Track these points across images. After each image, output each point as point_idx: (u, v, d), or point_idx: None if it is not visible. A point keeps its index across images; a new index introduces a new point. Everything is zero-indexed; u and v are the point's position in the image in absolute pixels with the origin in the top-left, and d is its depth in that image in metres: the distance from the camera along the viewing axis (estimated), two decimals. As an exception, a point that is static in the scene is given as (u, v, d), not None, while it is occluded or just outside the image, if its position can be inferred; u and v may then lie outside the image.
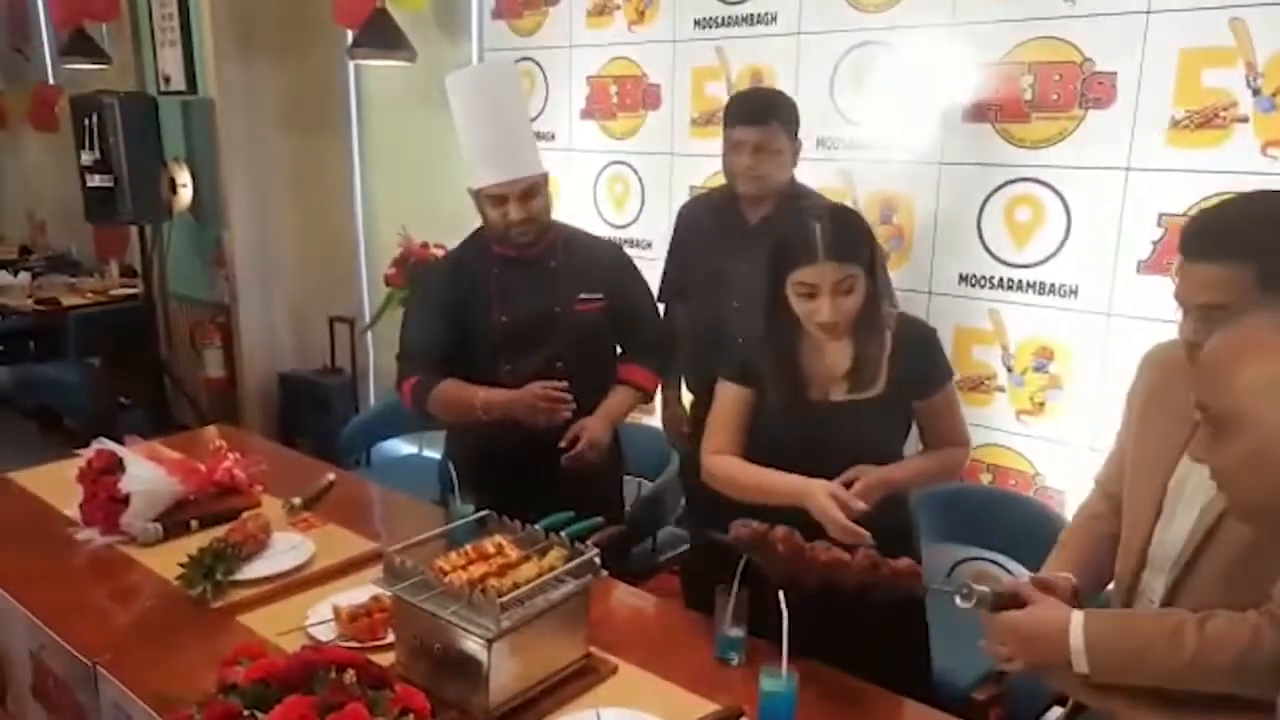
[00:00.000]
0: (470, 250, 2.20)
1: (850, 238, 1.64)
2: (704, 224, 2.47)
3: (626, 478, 3.11)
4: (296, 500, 2.19)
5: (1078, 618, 1.30)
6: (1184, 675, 1.24)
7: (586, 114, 3.51)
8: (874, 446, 1.71)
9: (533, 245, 2.11)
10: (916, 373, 1.71)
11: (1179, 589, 1.33)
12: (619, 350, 2.28)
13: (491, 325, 2.12)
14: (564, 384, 2.05)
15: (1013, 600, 1.38)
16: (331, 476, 2.33)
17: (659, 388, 2.31)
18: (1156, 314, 2.32)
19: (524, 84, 2.17)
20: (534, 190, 2.05)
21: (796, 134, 2.31)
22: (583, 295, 2.15)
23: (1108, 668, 1.28)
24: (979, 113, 2.56)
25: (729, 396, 1.81)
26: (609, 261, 2.24)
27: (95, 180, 4.39)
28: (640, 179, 3.40)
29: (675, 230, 2.58)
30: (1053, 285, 2.50)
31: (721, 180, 2.48)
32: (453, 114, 2.11)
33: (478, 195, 2.09)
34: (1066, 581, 1.43)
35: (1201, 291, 1.22)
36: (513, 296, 2.12)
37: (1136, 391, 1.49)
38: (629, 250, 3.39)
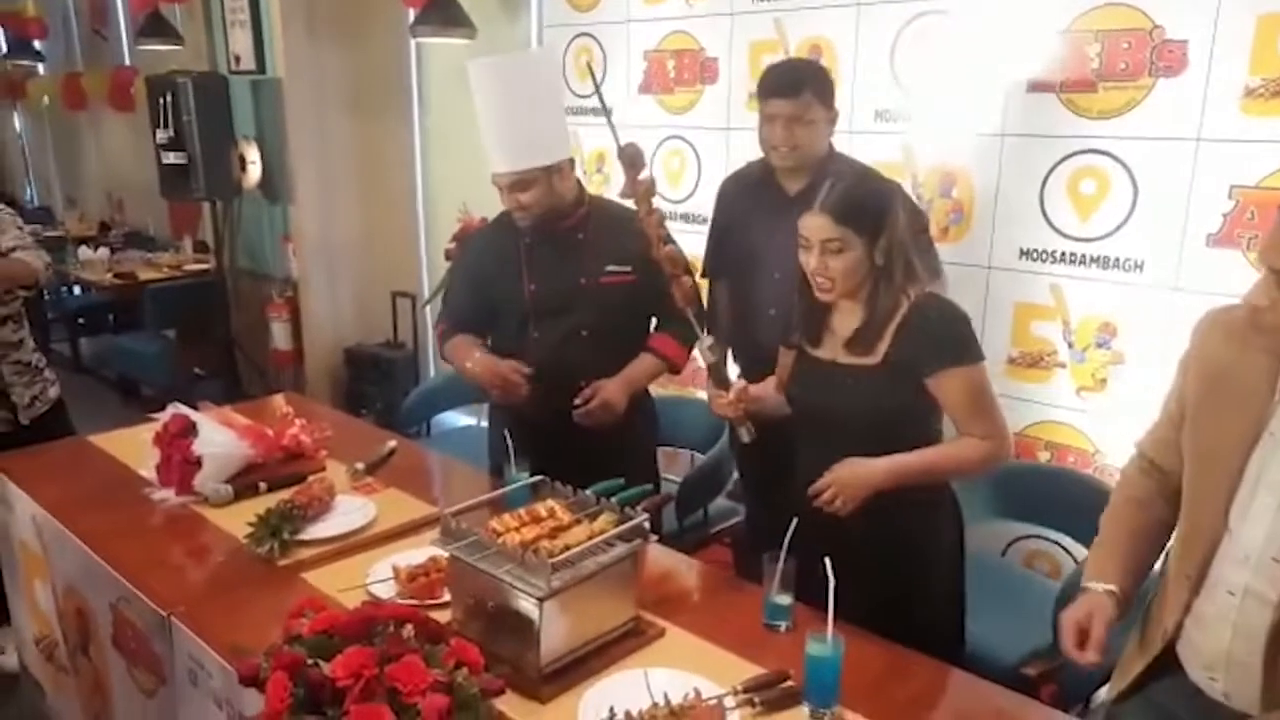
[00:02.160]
0: (506, 221, 2.28)
1: (852, 202, 1.65)
2: (744, 198, 2.47)
3: (679, 450, 3.17)
4: (360, 465, 2.27)
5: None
6: None
7: (644, 88, 3.52)
8: (871, 414, 1.71)
9: (556, 222, 2.18)
10: (922, 349, 1.67)
11: None
12: (655, 321, 2.32)
13: (520, 294, 2.21)
14: (529, 370, 2.16)
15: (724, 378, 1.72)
16: (393, 444, 2.40)
17: (685, 359, 2.32)
18: (1227, 289, 2.25)
19: (546, 75, 2.17)
20: (525, 184, 2.12)
21: (832, 103, 2.28)
22: (610, 268, 2.20)
23: None
24: (1043, 83, 2.50)
25: (780, 360, 1.88)
26: (641, 236, 2.26)
27: (169, 158, 4.54)
28: (697, 153, 3.40)
29: (716, 205, 2.58)
30: (1117, 259, 2.44)
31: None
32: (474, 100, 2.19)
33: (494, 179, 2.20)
34: (1104, 610, 1.39)
35: None
36: (541, 268, 2.21)
37: (1194, 360, 1.41)
38: (684, 224, 3.45)
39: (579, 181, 2.25)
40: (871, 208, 1.66)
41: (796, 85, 2.22)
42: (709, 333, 1.98)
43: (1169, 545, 1.46)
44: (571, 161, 2.20)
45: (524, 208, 2.15)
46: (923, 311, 1.69)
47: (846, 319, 1.75)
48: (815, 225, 1.67)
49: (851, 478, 1.68)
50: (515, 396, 2.17)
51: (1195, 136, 2.27)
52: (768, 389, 1.97)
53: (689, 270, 2.06)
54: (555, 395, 2.16)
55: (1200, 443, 1.36)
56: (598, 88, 2.73)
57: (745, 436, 1.92)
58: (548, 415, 2.15)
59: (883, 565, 1.72)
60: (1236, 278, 2.23)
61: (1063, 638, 1.37)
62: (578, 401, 2.15)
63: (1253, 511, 1.27)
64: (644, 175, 2.04)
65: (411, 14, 3.93)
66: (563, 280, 2.20)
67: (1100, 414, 2.53)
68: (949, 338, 1.68)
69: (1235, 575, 1.29)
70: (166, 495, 2.12)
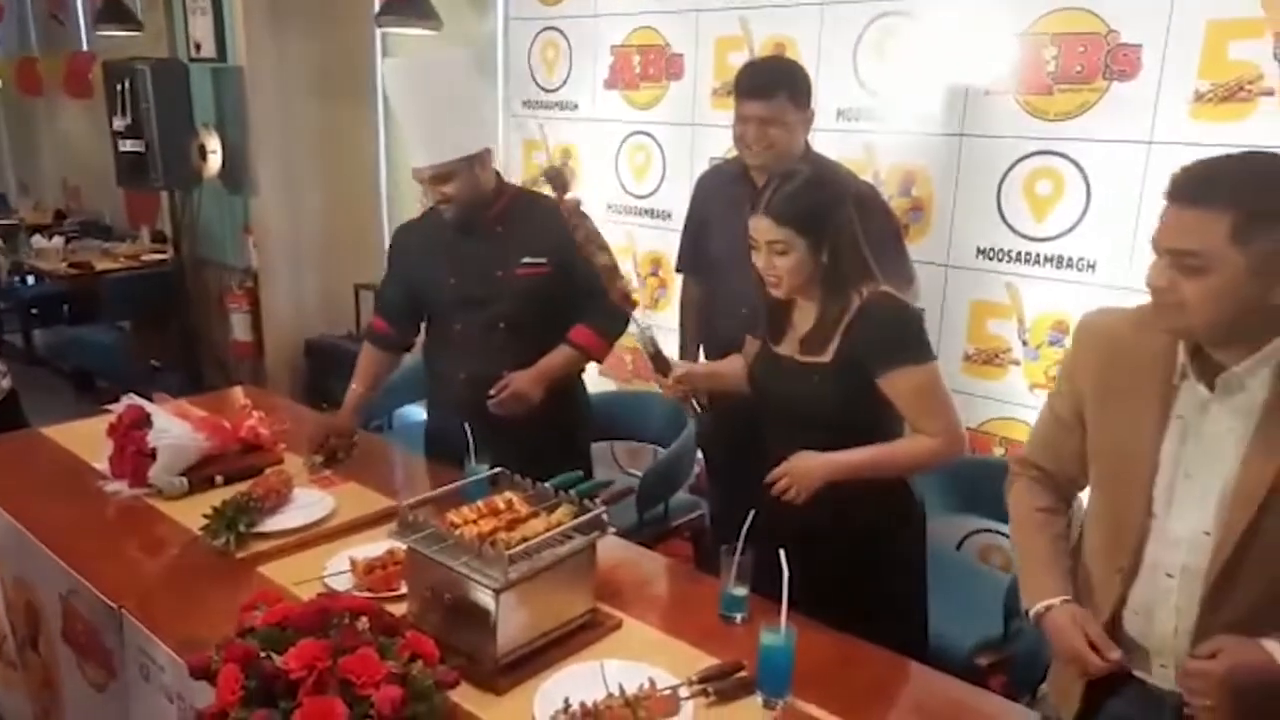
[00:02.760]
0: (433, 215, 2.32)
1: (794, 205, 1.67)
2: (719, 195, 2.48)
3: (642, 444, 3.18)
4: (318, 457, 2.25)
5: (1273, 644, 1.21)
6: None
7: (610, 84, 3.52)
8: (827, 410, 1.74)
9: (478, 213, 2.22)
10: (872, 348, 1.70)
11: (1229, 572, 1.26)
12: (577, 314, 2.33)
13: (442, 287, 2.26)
14: (339, 441, 2.30)
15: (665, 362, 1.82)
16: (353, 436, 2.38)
17: (603, 350, 2.34)
18: (1175, 289, 2.31)
19: (460, 74, 2.23)
20: (446, 176, 2.16)
21: (807, 104, 2.30)
22: (526, 260, 2.23)
23: None
24: (1001, 85, 2.54)
25: (746, 348, 1.95)
26: (559, 228, 2.26)
27: (127, 145, 4.46)
28: (662, 149, 3.41)
29: (692, 201, 2.59)
30: (1071, 259, 2.49)
31: (742, 151, 2.49)
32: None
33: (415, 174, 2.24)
34: (1082, 614, 1.37)
35: (1177, 235, 1.20)
36: (462, 260, 2.25)
37: (1081, 367, 1.42)
38: (649, 220, 3.46)
39: (498, 173, 2.27)
40: (814, 210, 1.68)
41: (771, 87, 2.23)
42: (680, 329, 2.01)
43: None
44: (489, 151, 2.23)
45: (449, 199, 2.18)
46: (872, 312, 1.71)
47: (805, 317, 1.77)
48: (760, 227, 1.71)
49: (805, 470, 1.71)
50: (516, 404, 2.18)
51: (1147, 139, 2.32)
52: (731, 365, 2.00)
53: (618, 273, 2.07)
54: (479, 388, 2.19)
55: (1109, 439, 1.38)
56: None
57: (691, 417, 1.95)
58: (474, 409, 2.16)
59: (839, 559, 1.74)
60: (1185, 278, 2.29)
61: (1081, 660, 1.33)
62: (491, 392, 2.18)
63: (1177, 497, 1.30)
64: (570, 196, 2.05)
65: (377, 4, 3.90)
66: (481, 272, 2.23)
67: (1053, 410, 2.58)
68: (898, 338, 1.71)
69: (1170, 557, 1.32)
70: (120, 488, 2.10)
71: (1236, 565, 1.26)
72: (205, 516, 1.88)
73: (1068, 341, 2.52)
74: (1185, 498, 1.30)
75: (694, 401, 1.96)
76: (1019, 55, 2.50)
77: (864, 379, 1.71)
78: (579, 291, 2.23)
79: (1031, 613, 1.41)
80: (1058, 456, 1.49)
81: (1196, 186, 1.19)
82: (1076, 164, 2.45)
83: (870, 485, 1.73)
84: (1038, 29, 2.46)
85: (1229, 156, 1.22)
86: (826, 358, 1.72)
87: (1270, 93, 2.15)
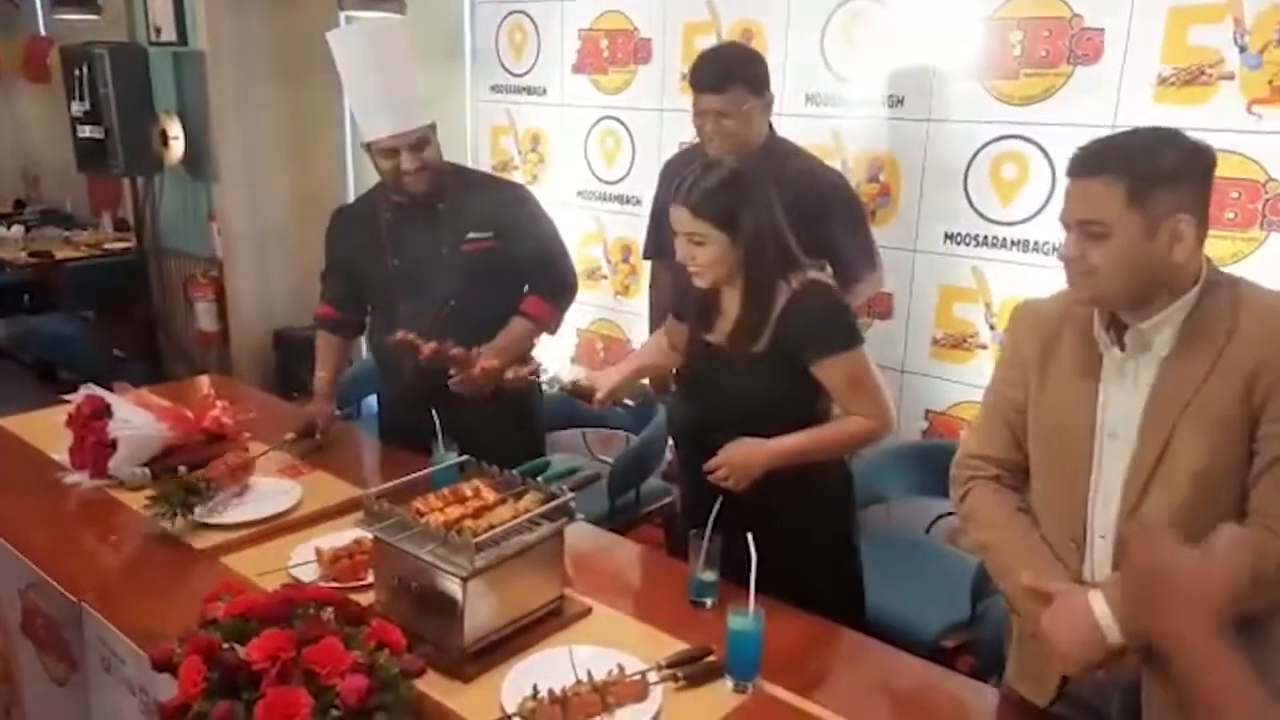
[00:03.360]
0: (364, 201, 2.33)
1: (714, 198, 1.68)
2: None
3: (615, 431, 3.18)
4: (290, 435, 2.25)
5: (1095, 594, 1.29)
6: None
7: (578, 68, 3.49)
8: (761, 398, 1.76)
9: (425, 192, 2.19)
10: (803, 336, 1.72)
11: (1140, 505, 1.32)
12: (526, 287, 2.34)
13: (384, 270, 2.23)
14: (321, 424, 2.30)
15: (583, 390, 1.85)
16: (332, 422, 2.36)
17: (555, 319, 2.36)
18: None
19: (404, 42, 2.25)
20: (424, 142, 2.15)
21: (764, 89, 2.27)
22: (471, 235, 2.22)
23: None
24: (967, 70, 2.55)
25: (670, 326, 2.01)
26: (501, 202, 2.30)
27: (86, 131, 4.37)
28: (631, 134, 3.39)
29: (658, 188, 2.58)
30: (1036, 243, 2.51)
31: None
32: (340, 71, 2.22)
33: (370, 149, 2.19)
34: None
35: (1080, 207, 1.29)
36: (403, 241, 2.23)
37: (1022, 352, 1.46)
38: (619, 206, 3.45)
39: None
40: (731, 203, 1.68)
41: (723, 79, 2.20)
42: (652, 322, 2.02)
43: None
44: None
45: (425, 167, 2.16)
46: (803, 302, 1.73)
47: (732, 304, 1.79)
48: (678, 217, 1.72)
49: (744, 458, 1.73)
50: (483, 380, 2.15)
51: (1111, 124, 2.34)
52: (647, 354, 2.09)
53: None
54: (432, 370, 2.15)
55: (1049, 415, 1.43)
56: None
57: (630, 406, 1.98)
58: (429, 392, 2.13)
59: (780, 537, 1.76)
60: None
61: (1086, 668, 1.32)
62: (452, 370, 2.15)
63: (1105, 458, 1.36)
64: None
65: (340, -13, 3.84)
66: (424, 252, 2.21)
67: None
68: (830, 327, 1.73)
69: (1101, 519, 1.38)
70: (80, 479, 2.07)
71: (1136, 507, 1.32)
72: (149, 498, 1.85)
73: (1033, 325, 2.55)
74: (1111, 458, 1.36)
75: (625, 403, 2.00)
76: (985, 40, 2.51)
77: (796, 367, 1.74)
78: (526, 263, 2.23)
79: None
80: (1005, 442, 1.50)
81: (1093, 160, 1.29)
82: (1041, 148, 2.46)
83: (803, 467, 1.76)
84: (1003, 14, 2.47)
85: (1120, 133, 1.34)
86: (760, 347, 1.74)
87: (1230, 76, 2.18)
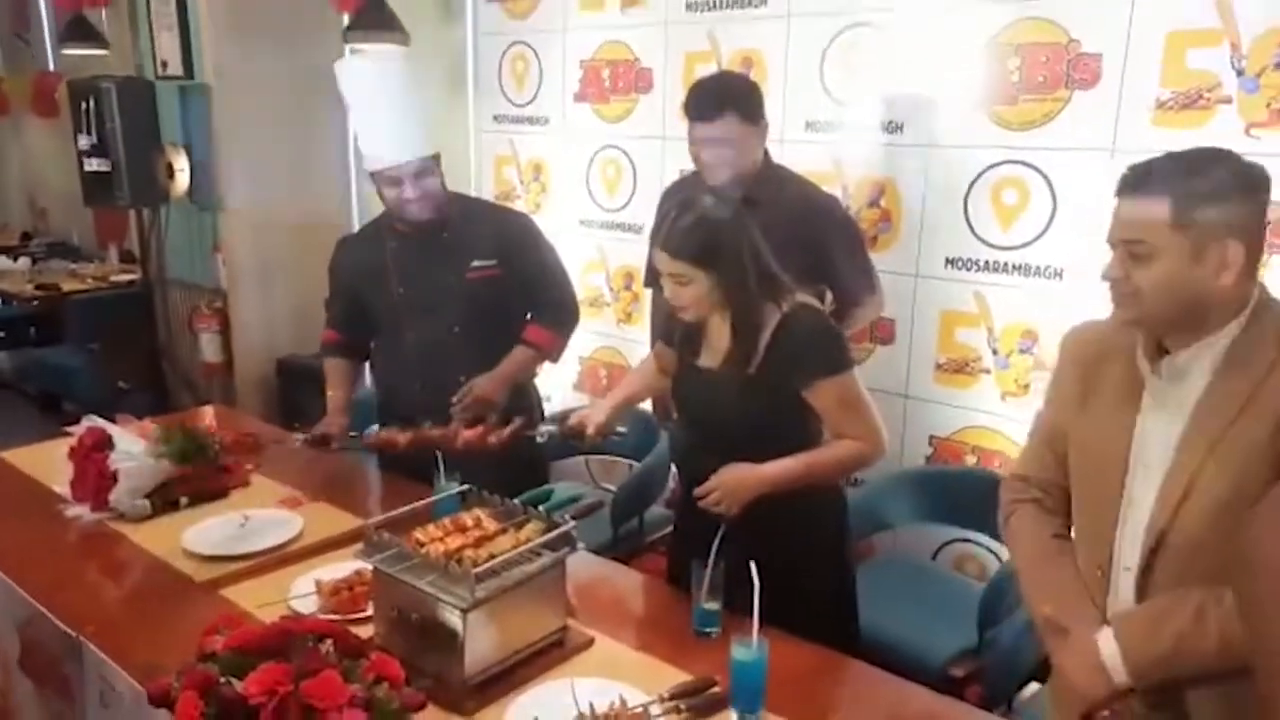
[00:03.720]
0: (369, 229, 2.34)
1: (691, 239, 1.68)
2: None
3: (616, 458, 3.17)
4: (300, 436, 2.27)
5: (1105, 634, 1.28)
6: (1217, 661, 1.21)
7: (580, 97, 3.52)
8: (753, 421, 1.75)
9: (429, 220, 2.21)
10: (794, 360, 1.72)
11: (1155, 558, 1.30)
12: (529, 314, 2.36)
13: (390, 297, 2.25)
14: (337, 428, 2.26)
15: (574, 430, 1.86)
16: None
17: (557, 346, 2.37)
18: (1141, 295, 2.33)
19: (409, 74, 2.33)
20: (426, 171, 2.17)
21: (759, 117, 2.27)
22: (475, 264, 2.24)
23: (1148, 674, 1.25)
24: (966, 95, 2.56)
25: (658, 350, 2.01)
26: (504, 230, 2.33)
27: (92, 164, 4.41)
28: (632, 162, 3.40)
29: (657, 215, 2.59)
30: (1038, 267, 2.50)
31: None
32: (345, 100, 2.27)
33: (375, 178, 2.21)
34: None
35: (1125, 226, 1.27)
36: (409, 269, 2.25)
37: (1067, 376, 1.47)
38: (621, 233, 3.46)
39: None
40: (708, 242, 1.68)
41: (717, 109, 2.21)
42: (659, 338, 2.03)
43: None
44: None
45: (427, 196, 2.18)
46: (794, 325, 1.73)
47: (719, 331, 1.79)
48: (659, 259, 1.72)
49: (736, 482, 1.72)
50: (481, 409, 2.18)
51: (1110, 147, 2.35)
52: (634, 382, 2.08)
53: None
54: (435, 395, 2.18)
55: (1088, 439, 1.41)
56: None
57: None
58: (430, 416, 2.15)
59: (775, 560, 1.74)
60: (1150, 284, 2.31)
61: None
62: (454, 399, 2.17)
63: (1137, 489, 1.33)
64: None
65: (345, 19, 3.88)
66: (430, 280, 2.23)
67: (1024, 419, 2.58)
68: (819, 351, 1.73)
69: (1129, 550, 1.35)
70: (81, 511, 2.06)
71: (1154, 558, 1.30)
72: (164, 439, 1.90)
73: (1037, 349, 2.54)
74: (1143, 488, 1.33)
75: (618, 432, 1.99)
76: (983, 66, 2.52)
77: (787, 390, 1.73)
78: (528, 290, 2.24)
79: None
80: (1052, 465, 1.49)
81: (1140, 179, 1.27)
82: (1042, 173, 2.46)
83: (800, 490, 1.75)
84: (1001, 39, 2.48)
85: (1169, 154, 1.30)
86: (750, 370, 1.73)
87: (1228, 100, 2.18)
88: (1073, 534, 1.47)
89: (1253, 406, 1.23)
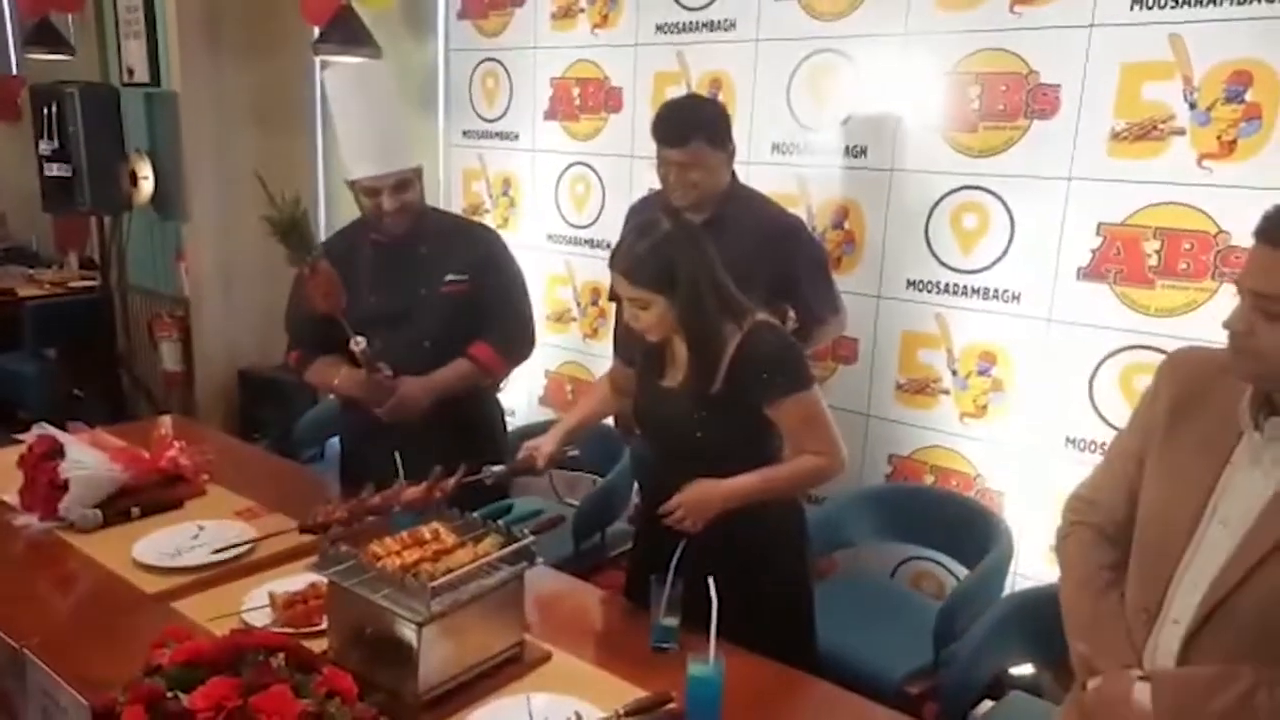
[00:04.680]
0: (344, 237, 2.33)
1: (647, 266, 1.70)
2: None
3: (580, 474, 3.16)
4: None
5: (1142, 689, 1.23)
6: None
7: (550, 115, 3.53)
8: (712, 439, 1.76)
9: (405, 233, 2.21)
10: (756, 379, 1.73)
11: (1212, 617, 1.23)
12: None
13: (363, 306, 2.19)
14: (391, 375, 2.14)
15: (523, 465, 1.87)
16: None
17: (501, 369, 2.34)
18: (1095, 320, 2.38)
19: (393, 85, 2.34)
20: (405, 184, 2.18)
21: (726, 142, 2.29)
22: (449, 278, 2.24)
23: None
24: (928, 121, 2.61)
25: (615, 372, 2.03)
26: (477, 244, 2.34)
27: (53, 170, 4.34)
28: (601, 180, 3.42)
29: (622, 232, 2.60)
30: (996, 291, 2.55)
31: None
32: (331, 107, 2.25)
33: (353, 186, 2.21)
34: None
35: (1261, 277, 1.15)
36: (383, 280, 2.23)
37: (1160, 399, 1.36)
38: (589, 250, 3.47)
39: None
40: (664, 267, 1.70)
41: (684, 134, 2.22)
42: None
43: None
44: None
45: (403, 208, 2.17)
46: (754, 345, 1.74)
47: (681, 351, 1.80)
48: (619, 283, 1.74)
49: (700, 499, 1.73)
50: (403, 410, 2.14)
51: (1067, 175, 2.40)
52: (586, 406, 2.10)
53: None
54: None
55: (1165, 476, 1.33)
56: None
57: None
58: (394, 426, 2.14)
59: (734, 576, 1.75)
60: (1104, 309, 2.36)
61: None
62: (375, 397, 2.14)
63: (1207, 541, 1.26)
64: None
65: (316, 31, 3.87)
66: (404, 291, 2.22)
67: (981, 439, 2.63)
68: (780, 369, 1.74)
69: (1182, 602, 1.28)
70: (30, 521, 2.02)
71: (1210, 618, 1.23)
72: (266, 219, 1.95)
73: (995, 371, 2.58)
74: (1213, 544, 1.26)
75: (571, 455, 1.98)
76: (945, 93, 2.57)
77: (749, 408, 1.75)
78: (486, 308, 2.24)
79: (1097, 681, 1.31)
80: (1123, 491, 1.41)
81: None
82: (1000, 199, 2.52)
83: (761, 505, 1.76)
84: (962, 68, 2.54)
85: None
86: (713, 389, 1.74)
87: (1181, 132, 2.24)
88: (1129, 570, 1.38)
89: None
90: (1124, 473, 1.40)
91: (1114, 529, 1.41)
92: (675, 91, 3.10)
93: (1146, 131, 2.29)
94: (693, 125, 2.24)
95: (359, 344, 2.08)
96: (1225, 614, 1.22)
